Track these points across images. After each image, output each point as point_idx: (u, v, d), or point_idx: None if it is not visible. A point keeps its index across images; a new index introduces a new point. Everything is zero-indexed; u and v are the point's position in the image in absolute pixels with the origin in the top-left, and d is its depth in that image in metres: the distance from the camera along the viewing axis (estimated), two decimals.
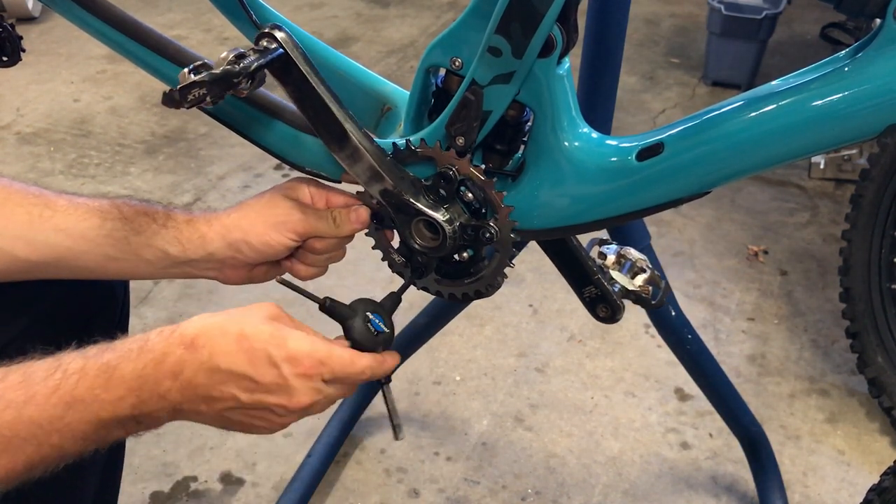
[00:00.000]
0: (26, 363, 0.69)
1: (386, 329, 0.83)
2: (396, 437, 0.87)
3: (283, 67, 0.83)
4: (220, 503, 1.48)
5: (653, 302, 0.95)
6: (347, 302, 0.84)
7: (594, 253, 0.96)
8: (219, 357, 0.71)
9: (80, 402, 0.68)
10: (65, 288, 0.96)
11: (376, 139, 0.89)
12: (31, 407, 0.66)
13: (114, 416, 0.69)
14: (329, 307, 0.83)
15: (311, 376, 0.74)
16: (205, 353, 0.71)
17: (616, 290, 0.94)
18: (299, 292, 0.84)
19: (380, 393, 0.92)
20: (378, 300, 0.85)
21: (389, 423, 0.88)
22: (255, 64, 0.77)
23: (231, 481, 1.52)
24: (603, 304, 0.94)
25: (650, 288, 0.95)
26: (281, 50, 0.80)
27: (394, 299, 0.86)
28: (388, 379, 0.85)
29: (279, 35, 0.81)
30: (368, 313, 0.82)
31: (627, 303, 0.95)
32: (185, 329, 0.72)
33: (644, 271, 0.95)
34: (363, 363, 0.77)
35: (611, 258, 0.95)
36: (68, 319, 0.96)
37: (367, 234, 0.95)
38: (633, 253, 0.96)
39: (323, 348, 0.75)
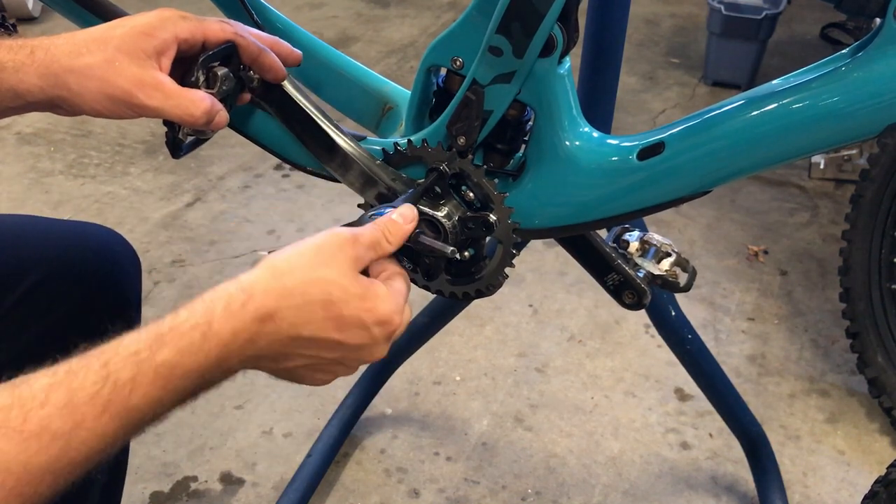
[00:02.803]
0: (69, 376, 0.58)
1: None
2: (449, 254, 0.79)
3: (266, 88, 0.84)
4: (220, 503, 1.48)
5: (681, 286, 0.94)
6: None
7: (615, 241, 0.96)
8: (302, 327, 0.65)
9: (135, 412, 0.59)
10: (78, 299, 0.96)
11: (375, 138, 0.90)
12: (81, 432, 0.57)
13: (173, 406, 0.63)
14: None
15: (397, 328, 0.70)
16: (285, 325, 0.65)
17: (641, 275, 0.93)
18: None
19: (379, 392, 0.92)
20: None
21: (442, 253, 0.80)
22: (203, 57, 0.77)
23: (231, 481, 1.52)
24: (628, 290, 0.93)
25: (677, 271, 0.94)
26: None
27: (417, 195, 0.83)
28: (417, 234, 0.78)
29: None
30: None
31: None
32: (261, 300, 0.64)
33: (670, 255, 0.94)
34: (402, 280, 0.74)
35: (634, 245, 0.94)
36: (80, 333, 0.96)
37: None
38: (656, 238, 0.95)
39: (400, 298, 0.71)
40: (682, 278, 0.95)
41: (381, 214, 0.76)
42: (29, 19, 3.09)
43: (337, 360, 0.70)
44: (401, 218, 0.75)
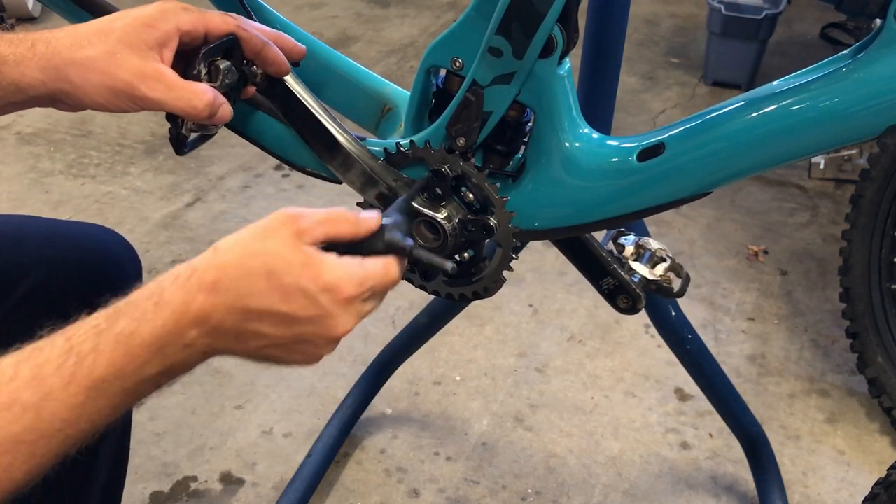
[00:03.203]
0: (35, 352, 0.61)
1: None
2: (448, 270, 0.76)
3: (269, 83, 0.83)
4: (220, 503, 1.48)
5: (675, 291, 0.94)
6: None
7: (611, 245, 0.96)
8: (247, 298, 0.65)
9: (101, 383, 0.61)
10: (78, 299, 0.96)
11: (375, 139, 0.90)
12: (50, 403, 0.60)
13: (140, 380, 0.64)
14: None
15: (352, 300, 0.68)
16: (230, 296, 0.65)
17: (636, 280, 0.93)
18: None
19: (379, 392, 0.92)
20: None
21: (436, 268, 0.77)
22: (205, 50, 0.77)
23: (231, 481, 1.52)
24: (622, 294, 0.93)
25: (671, 276, 0.94)
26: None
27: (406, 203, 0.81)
28: (410, 248, 0.74)
29: None
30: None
31: None
32: (202, 272, 0.65)
33: (664, 260, 0.94)
34: (395, 269, 0.72)
35: (629, 249, 0.95)
36: (75, 292, 0.95)
37: None
38: (652, 243, 0.95)
39: (358, 269, 0.68)
40: (676, 284, 0.95)
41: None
42: (29, 19, 3.09)
43: (298, 337, 0.68)
44: (387, 275, 0.72)
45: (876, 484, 1.01)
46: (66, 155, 2.44)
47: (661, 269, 0.93)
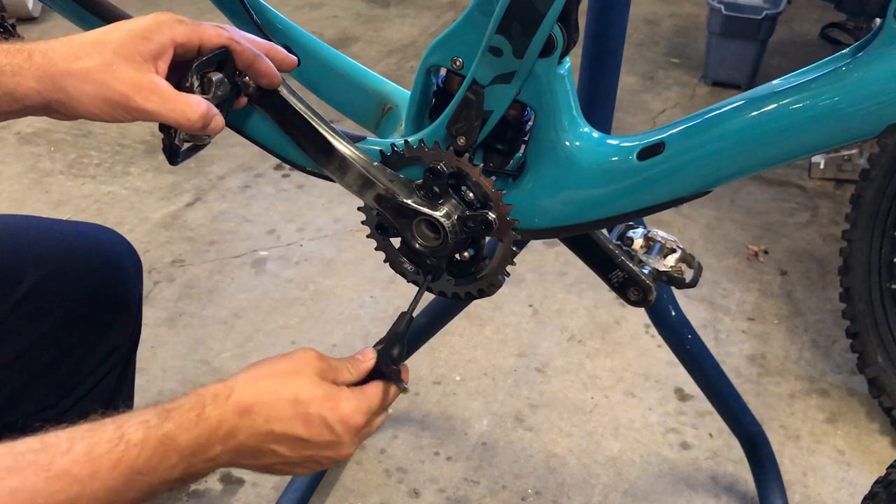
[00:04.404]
0: (89, 432, 0.66)
1: (401, 358, 0.85)
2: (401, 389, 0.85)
3: (262, 93, 0.84)
4: (220, 503, 1.48)
5: (688, 281, 0.94)
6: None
7: (619, 238, 0.95)
8: (274, 423, 0.73)
9: (138, 475, 0.67)
10: (79, 299, 0.96)
11: (376, 139, 0.90)
12: (97, 482, 0.64)
13: (164, 482, 0.69)
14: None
15: (361, 428, 0.78)
16: (260, 420, 0.73)
17: (646, 272, 0.93)
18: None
19: None
20: (392, 326, 0.85)
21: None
22: (197, 62, 0.77)
23: (231, 481, 1.52)
24: (633, 286, 0.93)
25: (682, 267, 0.93)
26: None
27: (406, 322, 0.86)
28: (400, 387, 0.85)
29: None
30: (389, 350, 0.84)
31: None
32: (240, 396, 0.73)
33: (675, 251, 0.94)
34: (393, 391, 0.82)
35: (638, 241, 0.94)
36: (82, 332, 0.96)
37: (376, 249, 0.95)
38: (660, 234, 0.95)
39: (366, 401, 0.78)
40: (688, 274, 0.94)
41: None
42: (29, 19, 3.09)
43: (309, 458, 0.77)
44: (361, 356, 0.83)
45: (876, 483, 1.01)
46: (67, 155, 2.44)
47: (672, 259, 0.93)
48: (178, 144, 0.80)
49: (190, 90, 0.77)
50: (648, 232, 0.94)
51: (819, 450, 1.62)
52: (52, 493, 0.62)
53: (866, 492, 1.04)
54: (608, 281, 0.94)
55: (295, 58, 0.86)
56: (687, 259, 0.94)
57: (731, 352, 1.83)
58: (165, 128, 0.79)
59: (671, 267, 0.93)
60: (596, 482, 1.54)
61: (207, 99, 0.77)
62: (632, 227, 0.96)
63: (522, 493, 1.52)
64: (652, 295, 0.92)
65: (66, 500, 0.63)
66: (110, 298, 0.99)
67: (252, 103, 0.86)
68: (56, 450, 0.63)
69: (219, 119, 0.78)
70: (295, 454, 0.75)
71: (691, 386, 1.54)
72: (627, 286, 0.93)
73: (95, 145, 2.49)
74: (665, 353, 1.68)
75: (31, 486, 0.61)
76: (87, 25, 0.95)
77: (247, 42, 0.81)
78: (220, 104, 0.80)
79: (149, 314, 1.83)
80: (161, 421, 0.69)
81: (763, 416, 1.65)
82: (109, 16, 0.94)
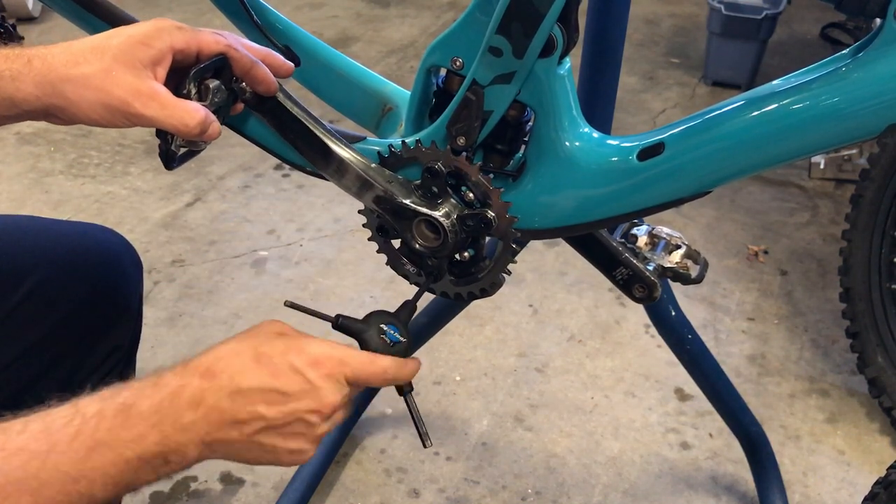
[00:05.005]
0: (45, 412, 0.67)
1: (402, 339, 0.82)
2: (424, 445, 0.83)
3: (259, 99, 0.84)
4: (220, 503, 1.48)
5: (693, 277, 0.94)
6: (362, 315, 0.82)
7: (623, 236, 0.95)
8: (239, 377, 0.71)
9: (102, 445, 0.66)
10: (79, 299, 0.96)
11: (376, 139, 0.90)
12: (55, 455, 0.65)
13: (139, 454, 0.68)
14: (342, 324, 0.82)
15: (335, 375, 0.74)
16: (224, 378, 0.71)
17: (651, 268, 0.92)
18: (309, 312, 0.83)
19: (379, 393, 0.92)
20: (393, 310, 0.84)
21: (416, 432, 0.84)
22: (195, 69, 0.78)
23: (231, 481, 1.52)
24: (638, 283, 0.93)
25: (688, 263, 0.93)
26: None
27: (409, 308, 0.85)
28: (410, 387, 0.83)
29: None
30: (383, 325, 0.82)
31: (630, 303, 0.94)
32: (199, 360, 0.72)
33: (680, 247, 0.94)
34: (383, 363, 0.78)
35: (643, 239, 0.94)
36: (82, 333, 0.96)
37: (378, 252, 0.95)
38: (665, 231, 0.95)
39: (341, 349, 0.76)
40: (694, 270, 0.94)
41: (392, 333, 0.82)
42: (29, 19, 3.09)
43: (292, 414, 0.72)
44: (372, 363, 0.79)
45: (876, 483, 1.01)
46: (66, 155, 2.44)
47: (677, 256, 0.93)
48: (174, 150, 0.81)
49: (187, 97, 0.78)
50: (652, 229, 0.94)
51: (819, 450, 1.62)
52: (11, 469, 0.63)
53: (866, 492, 1.04)
54: (612, 278, 0.94)
55: (292, 64, 0.86)
56: (692, 255, 0.94)
57: (731, 352, 1.83)
58: (162, 133, 0.80)
59: (677, 263, 0.93)
60: (596, 482, 1.54)
61: (204, 105, 0.78)
62: (636, 225, 0.96)
63: (522, 493, 1.52)
64: (657, 291, 0.92)
65: (25, 475, 0.64)
66: (110, 298, 0.99)
67: (249, 108, 0.86)
68: (11, 430, 0.65)
69: (215, 126, 0.78)
70: (276, 412, 0.72)
71: (691, 386, 1.54)
72: (632, 283, 0.93)
73: (95, 145, 2.49)
74: (665, 353, 1.68)
75: None
76: (87, 25, 0.95)
77: (244, 49, 0.81)
78: (217, 110, 0.80)
79: (149, 314, 1.83)
80: (115, 392, 0.69)
81: (763, 416, 1.65)
82: (109, 16, 0.94)
